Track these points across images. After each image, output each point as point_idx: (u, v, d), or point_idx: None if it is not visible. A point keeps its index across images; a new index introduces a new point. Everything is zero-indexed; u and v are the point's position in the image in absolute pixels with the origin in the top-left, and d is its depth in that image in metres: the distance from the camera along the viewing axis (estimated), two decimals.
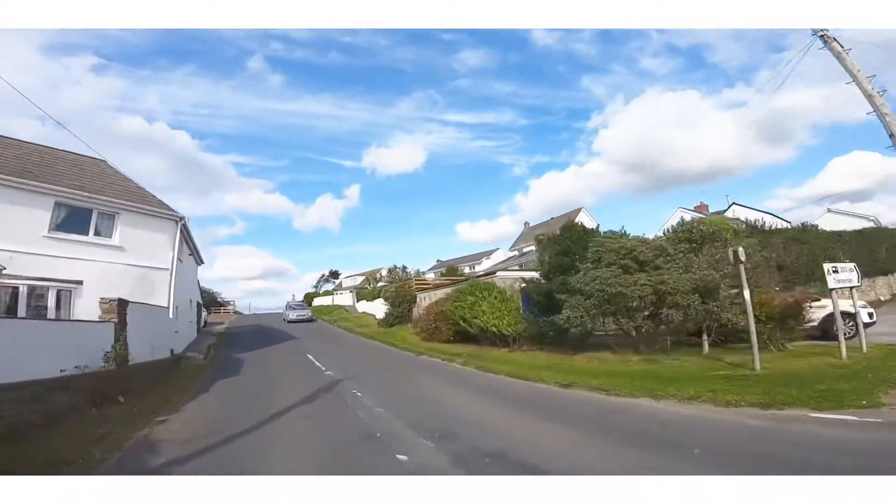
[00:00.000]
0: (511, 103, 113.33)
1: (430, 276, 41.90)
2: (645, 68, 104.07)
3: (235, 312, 46.94)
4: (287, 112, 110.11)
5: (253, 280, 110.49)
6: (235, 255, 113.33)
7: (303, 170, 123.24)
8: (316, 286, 66.95)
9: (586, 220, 32.59)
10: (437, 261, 57.38)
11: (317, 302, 49.69)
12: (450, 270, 39.85)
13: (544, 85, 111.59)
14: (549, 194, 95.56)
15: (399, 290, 25.68)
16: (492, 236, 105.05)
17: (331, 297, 49.22)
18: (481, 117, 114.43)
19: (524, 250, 41.66)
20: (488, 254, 50.40)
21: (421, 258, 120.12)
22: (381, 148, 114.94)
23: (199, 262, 23.59)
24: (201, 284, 39.85)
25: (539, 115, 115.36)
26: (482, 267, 42.73)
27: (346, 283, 60.26)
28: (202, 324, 27.17)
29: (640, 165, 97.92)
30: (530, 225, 49.47)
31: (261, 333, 24.42)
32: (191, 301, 20.74)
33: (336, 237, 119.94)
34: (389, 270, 45.47)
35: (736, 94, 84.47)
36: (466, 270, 40.84)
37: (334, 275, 67.50)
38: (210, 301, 41.39)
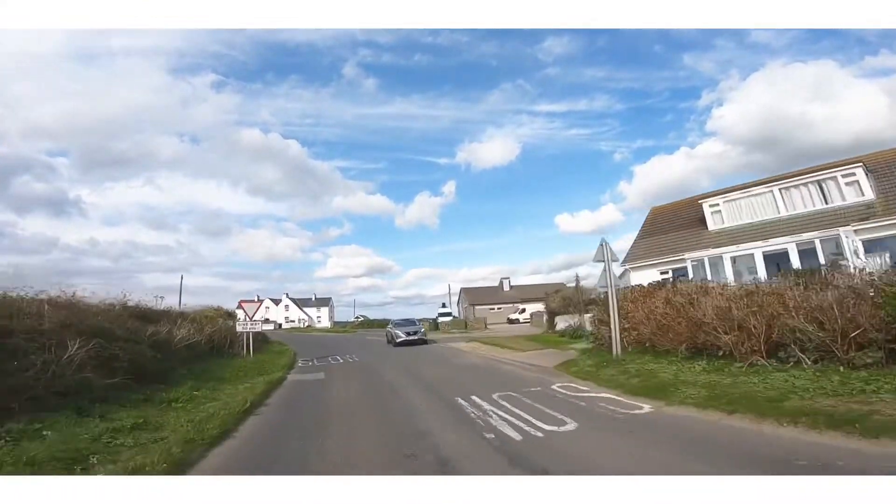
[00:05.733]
0: (604, 88, 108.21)
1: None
2: (757, 41, 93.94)
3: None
4: (382, 115, 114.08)
5: (360, 278, 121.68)
6: (344, 254, 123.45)
7: (400, 170, 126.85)
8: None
9: None
10: None
11: None
12: None
13: (640, 67, 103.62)
14: (657, 179, 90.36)
15: None
16: (593, 227, 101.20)
17: None
18: (573, 105, 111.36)
19: None
20: None
21: (520, 253, 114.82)
22: (474, 143, 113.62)
23: None
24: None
25: (637, 98, 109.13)
26: None
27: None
28: None
29: (767, 143, 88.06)
30: None
31: None
32: None
33: (435, 234, 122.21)
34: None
35: (881, 62, 78.32)
36: None
37: None
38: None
